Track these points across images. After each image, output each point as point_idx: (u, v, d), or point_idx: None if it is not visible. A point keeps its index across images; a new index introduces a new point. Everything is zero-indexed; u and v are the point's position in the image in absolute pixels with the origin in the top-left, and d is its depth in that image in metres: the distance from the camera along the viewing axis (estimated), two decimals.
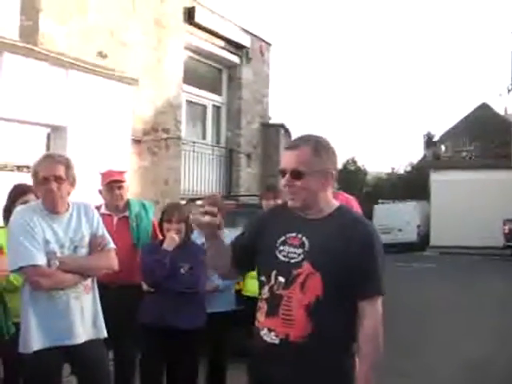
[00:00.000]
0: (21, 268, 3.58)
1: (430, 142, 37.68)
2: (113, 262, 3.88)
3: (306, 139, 2.86)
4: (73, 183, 3.83)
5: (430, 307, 11.95)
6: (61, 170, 3.70)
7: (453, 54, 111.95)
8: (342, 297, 2.74)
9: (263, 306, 2.83)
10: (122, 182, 5.29)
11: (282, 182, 2.83)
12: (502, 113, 36.32)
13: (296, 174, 2.78)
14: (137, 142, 10.25)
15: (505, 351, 8.34)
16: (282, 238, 2.84)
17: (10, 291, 4.44)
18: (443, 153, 33.80)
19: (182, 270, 4.84)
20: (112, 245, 3.91)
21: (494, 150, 30.77)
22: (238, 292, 6.01)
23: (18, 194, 4.78)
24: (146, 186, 10.49)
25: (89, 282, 3.79)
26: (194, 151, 12.79)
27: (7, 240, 3.77)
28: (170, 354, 4.94)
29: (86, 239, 3.78)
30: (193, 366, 4.97)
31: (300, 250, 2.78)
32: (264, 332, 2.79)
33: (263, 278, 2.86)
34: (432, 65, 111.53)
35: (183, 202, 9.48)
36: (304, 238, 2.81)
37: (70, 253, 3.71)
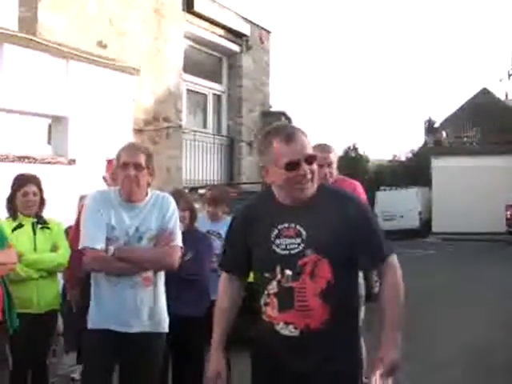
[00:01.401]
0: (83, 249, 3.71)
1: (430, 128, 37.58)
2: (172, 258, 3.84)
3: (290, 127, 2.90)
4: (152, 173, 3.88)
5: (431, 294, 11.97)
6: (141, 159, 3.77)
7: (453, 40, 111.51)
8: (349, 274, 2.82)
9: (273, 301, 2.80)
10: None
11: (296, 173, 2.73)
12: (502, 98, 36.22)
13: (310, 160, 2.76)
14: (138, 131, 10.24)
15: (506, 337, 8.36)
16: (275, 232, 2.81)
17: (17, 282, 4.47)
18: (444, 139, 33.71)
19: (186, 258, 4.85)
20: (178, 242, 3.89)
21: (495, 136, 30.68)
22: None
23: (19, 184, 4.80)
24: None
25: (150, 274, 3.80)
26: (195, 140, 12.78)
27: None
28: (174, 343, 4.94)
29: (153, 232, 3.79)
30: (198, 356, 4.91)
31: (298, 240, 2.77)
32: (280, 326, 2.78)
33: (268, 275, 2.81)
34: (432, 50, 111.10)
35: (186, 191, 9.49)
36: (298, 227, 2.78)
37: (134, 242, 3.75)
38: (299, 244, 2.76)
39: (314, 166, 2.78)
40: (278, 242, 2.79)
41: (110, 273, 3.71)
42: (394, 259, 2.88)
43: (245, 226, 2.93)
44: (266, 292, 2.82)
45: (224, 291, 3.03)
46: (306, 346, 2.74)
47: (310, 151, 2.77)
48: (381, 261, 2.84)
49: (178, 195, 5.21)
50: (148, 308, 3.79)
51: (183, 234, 4.92)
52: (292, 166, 2.73)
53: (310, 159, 2.75)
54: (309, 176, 2.75)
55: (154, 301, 3.84)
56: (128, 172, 3.70)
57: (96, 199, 3.79)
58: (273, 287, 2.79)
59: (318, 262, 2.74)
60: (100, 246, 3.65)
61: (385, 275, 2.84)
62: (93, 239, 3.66)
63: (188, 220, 5.01)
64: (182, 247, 3.95)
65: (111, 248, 3.67)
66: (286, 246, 2.78)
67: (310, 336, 2.73)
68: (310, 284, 2.73)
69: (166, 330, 3.93)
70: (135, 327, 3.74)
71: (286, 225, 2.80)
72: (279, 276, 2.77)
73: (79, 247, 3.75)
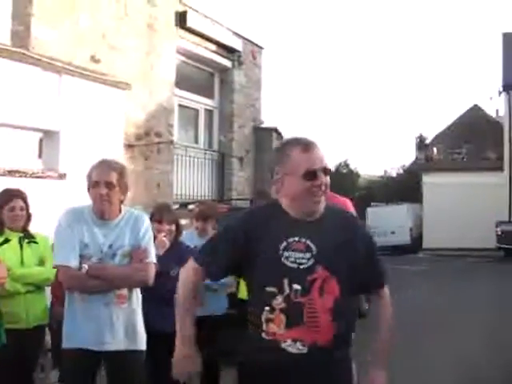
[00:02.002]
0: (55, 267, 3.75)
1: (421, 144, 37.77)
2: (146, 275, 3.84)
3: (308, 138, 2.86)
4: (125, 191, 3.90)
5: (423, 309, 11.97)
6: (113, 177, 3.77)
7: (444, 57, 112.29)
8: (351, 294, 2.80)
9: (279, 318, 2.68)
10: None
11: (315, 183, 2.72)
12: (493, 115, 36.45)
13: (327, 171, 2.77)
14: (129, 146, 10.24)
15: (497, 352, 8.37)
16: (284, 244, 2.73)
17: (4, 297, 4.44)
18: (435, 155, 33.85)
19: (172, 273, 4.81)
20: (152, 259, 3.90)
21: (485, 152, 30.85)
22: (233, 295, 6.00)
23: (5, 199, 4.79)
24: (138, 190, 10.47)
25: (124, 292, 3.79)
26: (186, 155, 12.79)
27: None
28: (159, 360, 4.90)
29: (127, 249, 3.80)
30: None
31: (308, 255, 2.72)
32: (288, 343, 2.67)
33: (272, 289, 2.69)
34: (423, 68, 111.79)
35: (176, 207, 9.47)
36: (309, 242, 2.73)
37: (108, 259, 3.74)
38: (309, 259, 2.71)
39: (328, 179, 2.77)
40: (286, 254, 2.72)
41: (85, 291, 3.69)
42: (387, 288, 2.98)
43: (248, 231, 2.80)
44: (267, 308, 2.71)
45: (193, 282, 2.90)
46: (313, 363, 2.68)
47: (326, 163, 2.79)
48: (380, 288, 2.94)
49: (164, 209, 5.21)
50: (124, 326, 3.77)
51: (168, 249, 4.92)
52: (311, 175, 2.71)
53: (326, 170, 2.76)
54: (323, 188, 2.75)
55: (130, 318, 3.81)
56: (99, 191, 3.71)
57: (69, 216, 3.79)
58: (279, 302, 2.68)
59: (327, 278, 2.71)
60: (74, 264, 3.65)
61: (381, 304, 2.95)
62: (66, 257, 3.66)
63: (173, 234, 5.01)
64: (155, 264, 3.94)
65: (85, 266, 3.66)
66: (296, 259, 2.71)
67: (318, 353, 2.67)
68: (318, 300, 2.68)
69: (144, 347, 3.90)
70: (111, 345, 3.71)
71: (296, 238, 2.74)
72: (287, 290, 2.68)
73: (52, 265, 3.79)
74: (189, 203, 10.34)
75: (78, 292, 3.72)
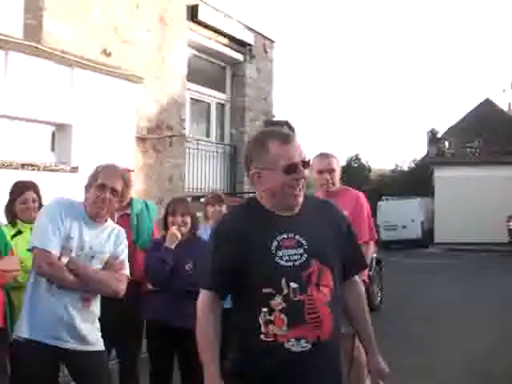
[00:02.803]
0: (33, 248, 3.62)
1: (433, 138, 37.63)
2: (120, 286, 3.80)
3: (284, 130, 2.92)
4: (122, 200, 3.93)
5: (434, 303, 11.96)
6: (120, 185, 3.76)
7: (456, 50, 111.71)
8: (340, 282, 2.81)
9: (280, 318, 2.62)
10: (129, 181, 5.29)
11: (295, 176, 2.69)
12: (505, 109, 36.26)
13: (305, 165, 2.75)
14: (141, 139, 10.25)
15: (508, 348, 8.35)
16: (275, 243, 2.67)
17: (16, 289, 4.46)
18: (447, 149, 33.74)
19: (187, 267, 4.77)
20: (127, 271, 3.88)
21: (497, 146, 30.70)
22: None
23: (18, 192, 4.81)
24: (150, 183, 10.50)
25: (89, 295, 3.74)
26: (198, 149, 12.79)
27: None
28: (179, 355, 4.91)
29: (105, 257, 3.78)
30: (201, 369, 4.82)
31: (300, 250, 2.67)
32: (291, 343, 2.61)
33: (269, 290, 2.63)
34: (435, 61, 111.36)
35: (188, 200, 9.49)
36: (297, 237, 2.69)
37: (86, 260, 3.70)
38: (302, 254, 2.67)
39: (307, 172, 2.76)
40: (280, 253, 2.66)
41: (57, 282, 3.61)
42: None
43: (234, 241, 2.70)
44: (265, 309, 2.63)
45: (212, 312, 2.74)
46: (317, 358, 2.64)
47: (305, 155, 2.75)
48: (362, 270, 3.01)
49: (178, 201, 5.19)
50: (84, 327, 3.70)
51: (184, 242, 4.89)
52: (291, 168, 2.68)
53: (305, 163, 2.73)
54: (303, 181, 2.72)
55: (90, 321, 3.77)
56: (104, 195, 3.69)
57: (62, 205, 3.74)
58: (278, 303, 2.62)
59: (321, 271, 2.69)
60: (54, 250, 3.57)
61: (357, 285, 2.95)
62: (49, 242, 3.57)
63: (188, 227, 4.96)
64: (129, 277, 3.91)
65: (66, 257, 3.60)
66: (289, 257, 2.66)
67: (321, 348, 2.64)
68: (317, 295, 2.65)
69: (102, 348, 3.84)
70: (69, 344, 3.65)
71: (285, 235, 2.69)
72: (286, 290, 2.62)
73: (29, 246, 3.68)
74: (201, 196, 10.35)
75: (47, 282, 3.63)
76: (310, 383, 2.67)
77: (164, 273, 4.75)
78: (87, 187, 3.78)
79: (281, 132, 2.82)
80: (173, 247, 4.84)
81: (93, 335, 3.77)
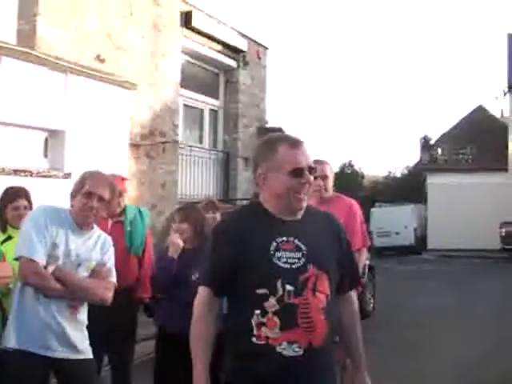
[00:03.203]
0: (19, 257, 3.56)
1: (426, 145, 37.71)
2: (107, 294, 3.73)
3: (294, 135, 2.86)
4: (107, 208, 3.88)
5: (427, 310, 11.96)
6: (107, 193, 3.72)
7: (449, 57, 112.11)
8: (335, 291, 2.81)
9: (272, 321, 2.60)
10: (123, 191, 5.30)
11: (301, 180, 2.71)
12: (498, 115, 36.38)
13: (311, 170, 2.75)
14: (134, 146, 10.25)
15: (500, 353, 8.36)
16: (274, 244, 2.67)
17: (5, 295, 4.44)
18: (440, 156, 33.81)
19: (193, 277, 4.57)
20: (114, 279, 3.82)
21: (490, 153, 30.79)
22: None
23: (9, 198, 4.80)
24: (143, 189, 10.50)
25: (76, 303, 3.69)
26: (191, 155, 12.80)
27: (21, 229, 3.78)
28: (185, 363, 4.89)
29: (92, 264, 3.72)
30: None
31: (299, 254, 2.67)
32: (283, 347, 2.58)
33: (264, 291, 2.61)
34: (428, 68, 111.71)
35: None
36: (297, 241, 2.69)
37: (72, 267, 3.65)
38: (299, 258, 2.66)
39: (312, 178, 2.76)
40: (278, 254, 2.65)
41: (44, 291, 3.56)
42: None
43: (234, 242, 2.70)
44: (258, 311, 2.61)
45: (209, 311, 2.75)
46: (308, 364, 2.61)
47: (311, 161, 2.78)
48: (355, 286, 2.98)
49: (180, 208, 5.15)
50: (72, 335, 3.65)
51: (191, 250, 4.79)
52: (297, 172, 2.69)
53: (311, 169, 2.74)
54: (308, 186, 2.73)
55: (78, 328, 3.71)
56: (91, 203, 3.64)
57: (46, 212, 3.68)
58: (272, 304, 2.60)
59: (318, 277, 2.68)
60: (40, 259, 3.51)
61: (352, 300, 2.96)
62: (34, 251, 3.51)
63: (192, 235, 4.87)
64: (115, 285, 3.84)
65: (52, 266, 3.54)
66: (287, 259, 2.65)
67: (313, 354, 2.61)
68: (312, 300, 2.63)
69: (90, 356, 3.78)
70: (58, 353, 3.59)
71: (285, 238, 2.69)
72: (281, 291, 2.60)
73: (15, 256, 3.61)
74: (193, 203, 10.35)
75: (34, 290, 3.58)
76: None
77: (168, 281, 4.74)
78: (73, 194, 3.73)
79: (291, 136, 2.83)
80: (175, 256, 4.79)
81: (82, 343, 3.73)
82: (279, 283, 2.61)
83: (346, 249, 2.91)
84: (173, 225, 4.97)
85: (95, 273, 3.74)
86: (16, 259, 3.66)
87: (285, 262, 2.65)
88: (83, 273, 3.70)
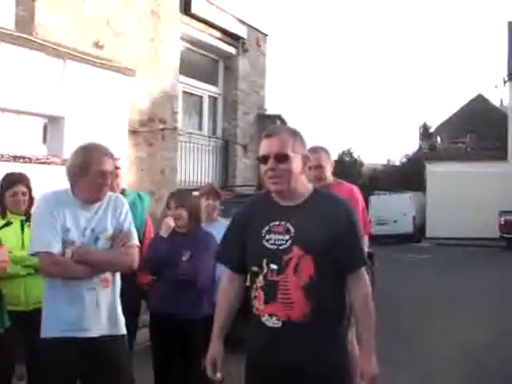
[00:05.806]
0: (36, 253, 3.57)
1: (425, 133, 37.75)
2: (131, 259, 3.74)
3: (281, 127, 3.17)
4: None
5: (425, 298, 12.01)
6: (113, 164, 3.73)
7: (448, 46, 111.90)
8: (332, 273, 2.94)
9: (259, 294, 2.97)
10: (117, 168, 5.25)
11: (266, 167, 2.96)
12: (497, 104, 36.35)
13: (281, 158, 2.93)
14: (133, 132, 10.23)
15: (499, 340, 8.40)
16: (267, 228, 3.00)
17: (4, 279, 4.46)
18: (439, 144, 33.81)
19: (184, 258, 4.80)
20: (135, 241, 3.80)
21: (489, 142, 30.80)
22: None
23: (8, 184, 4.81)
24: (142, 176, 10.49)
25: (108, 275, 3.69)
26: (190, 142, 12.78)
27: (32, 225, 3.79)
28: (179, 344, 4.92)
29: (109, 233, 3.69)
30: (197, 357, 4.65)
31: (287, 236, 2.94)
32: (265, 318, 2.94)
33: (256, 268, 2.99)
34: (428, 56, 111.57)
35: None
36: (288, 225, 2.96)
37: (91, 243, 3.63)
38: (287, 240, 2.94)
39: (287, 166, 2.93)
40: (268, 237, 2.98)
41: (69, 277, 3.56)
42: (364, 272, 3.07)
43: (242, 223, 3.13)
44: (254, 286, 3.01)
45: (225, 288, 3.20)
46: (288, 336, 2.89)
47: (285, 151, 2.94)
48: (358, 267, 3.02)
49: (173, 194, 5.22)
50: (107, 310, 3.68)
51: (183, 234, 4.92)
52: (263, 159, 2.99)
53: (279, 157, 2.94)
54: (277, 173, 2.94)
55: (112, 302, 3.73)
56: (106, 181, 3.63)
57: (49, 201, 3.66)
58: (260, 281, 2.96)
59: (301, 257, 2.89)
60: (56, 249, 3.52)
61: (358, 283, 3.01)
62: (48, 243, 3.51)
63: (186, 219, 4.93)
64: (138, 246, 3.85)
65: (69, 251, 3.54)
66: (275, 241, 2.96)
67: (292, 327, 2.89)
68: (293, 278, 2.89)
69: (125, 331, 3.81)
70: (94, 331, 3.60)
71: (277, 222, 2.99)
72: (265, 269, 2.94)
73: (31, 252, 3.63)
74: (193, 189, 10.36)
75: (54, 277, 3.60)
76: (283, 364, 2.91)
77: (156, 260, 4.80)
78: (77, 175, 3.65)
79: (271, 128, 3.16)
80: (165, 235, 4.91)
81: (114, 317, 3.73)
82: (264, 262, 2.96)
83: (349, 229, 2.99)
84: (168, 212, 5.02)
85: (114, 241, 3.71)
86: (32, 255, 3.67)
87: (272, 244, 2.97)
88: (104, 246, 3.68)
